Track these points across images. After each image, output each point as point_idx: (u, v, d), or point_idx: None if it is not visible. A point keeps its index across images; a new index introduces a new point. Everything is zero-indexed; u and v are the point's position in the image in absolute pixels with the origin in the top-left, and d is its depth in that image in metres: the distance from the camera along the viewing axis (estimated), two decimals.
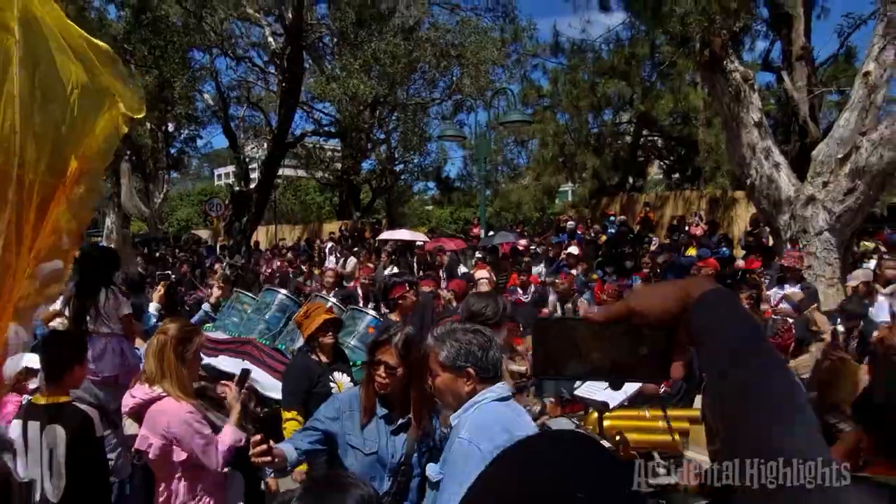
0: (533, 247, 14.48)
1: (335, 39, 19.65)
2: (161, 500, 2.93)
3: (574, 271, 10.77)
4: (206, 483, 2.96)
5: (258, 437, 2.38)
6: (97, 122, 2.72)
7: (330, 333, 3.81)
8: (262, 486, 3.46)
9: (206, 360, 4.40)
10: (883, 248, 8.75)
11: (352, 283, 10.60)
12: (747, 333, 0.64)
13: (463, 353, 2.22)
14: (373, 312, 5.69)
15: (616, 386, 0.86)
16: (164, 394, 2.88)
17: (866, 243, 9.99)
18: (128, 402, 2.95)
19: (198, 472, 2.92)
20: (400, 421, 2.65)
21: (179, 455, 2.85)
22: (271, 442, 2.50)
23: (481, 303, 3.24)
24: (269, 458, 2.38)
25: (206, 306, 5.69)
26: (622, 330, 0.75)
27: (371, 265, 12.09)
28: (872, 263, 7.26)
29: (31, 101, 2.38)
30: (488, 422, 2.11)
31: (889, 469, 1.58)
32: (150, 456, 2.85)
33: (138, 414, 2.94)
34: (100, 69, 2.71)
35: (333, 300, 6.17)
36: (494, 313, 3.17)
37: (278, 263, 15.25)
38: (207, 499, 2.96)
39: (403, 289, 4.67)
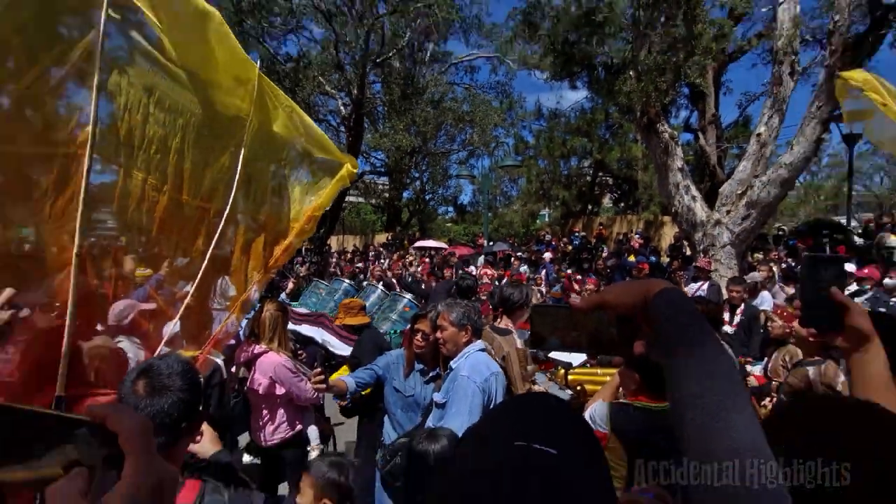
0: (520, 253, 14.37)
1: (386, 108, 19.76)
2: (263, 422, 2.94)
3: (544, 270, 10.78)
4: (290, 411, 2.98)
5: (318, 370, 2.36)
6: (328, 187, 2.65)
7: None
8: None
9: (293, 326, 4.42)
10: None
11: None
12: (693, 321, 0.58)
13: (466, 315, 2.36)
14: (408, 296, 5.66)
15: (592, 356, 0.84)
16: (267, 349, 2.90)
17: (757, 255, 9.94)
18: (240, 355, 2.96)
19: (288, 403, 2.94)
20: (430, 373, 2.62)
21: (280, 390, 2.87)
22: (334, 378, 2.49)
23: (512, 289, 3.12)
24: (324, 387, 2.34)
25: (283, 295, 5.61)
26: (597, 315, 0.71)
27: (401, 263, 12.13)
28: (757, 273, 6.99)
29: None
30: (478, 364, 2.26)
31: (649, 399, 1.69)
32: (260, 392, 2.85)
33: (249, 364, 2.95)
34: (325, 143, 2.65)
35: (381, 287, 6.18)
36: (519, 298, 3.06)
37: (344, 262, 15.28)
38: (292, 422, 2.99)
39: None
